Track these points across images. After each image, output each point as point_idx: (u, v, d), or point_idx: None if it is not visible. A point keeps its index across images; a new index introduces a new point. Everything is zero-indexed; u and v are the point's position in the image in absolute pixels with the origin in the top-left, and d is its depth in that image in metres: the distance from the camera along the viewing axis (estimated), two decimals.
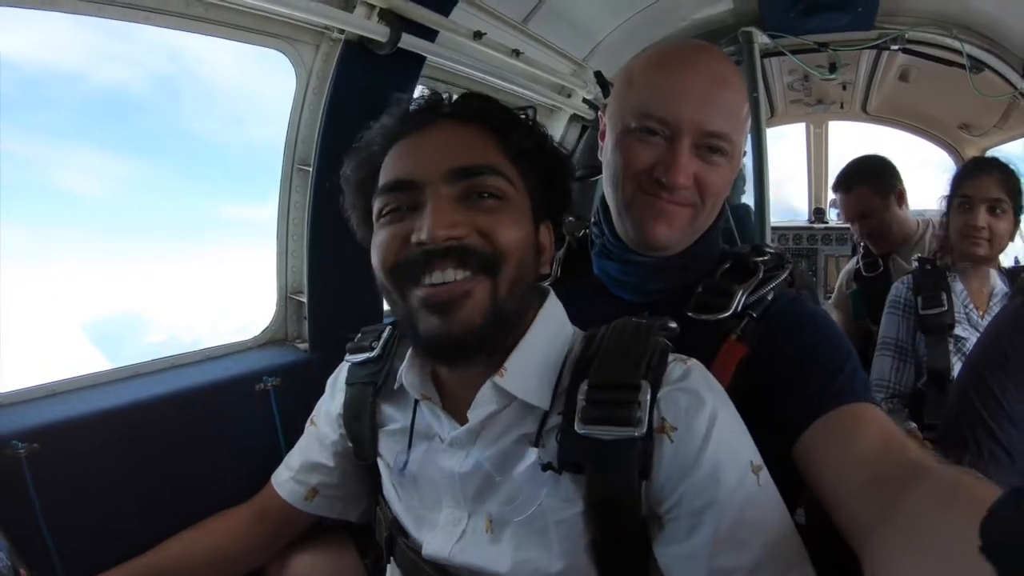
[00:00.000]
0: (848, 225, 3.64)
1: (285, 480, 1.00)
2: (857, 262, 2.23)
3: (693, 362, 0.74)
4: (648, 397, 0.68)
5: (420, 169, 0.71)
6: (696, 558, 0.66)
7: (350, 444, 0.94)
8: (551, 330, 0.78)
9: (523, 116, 0.79)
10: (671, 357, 0.73)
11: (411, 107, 0.77)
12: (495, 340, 0.71)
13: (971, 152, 3.15)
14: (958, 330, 1.68)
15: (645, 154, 0.87)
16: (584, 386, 0.70)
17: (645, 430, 0.66)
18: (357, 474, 0.97)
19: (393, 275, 0.71)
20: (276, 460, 1.05)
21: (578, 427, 0.68)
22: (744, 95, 0.90)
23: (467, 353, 0.71)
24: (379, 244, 0.72)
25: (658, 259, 0.93)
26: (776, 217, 3.54)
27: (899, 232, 2.14)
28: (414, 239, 0.68)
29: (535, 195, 0.77)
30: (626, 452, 0.67)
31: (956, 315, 1.69)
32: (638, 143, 0.88)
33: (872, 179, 2.14)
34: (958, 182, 1.78)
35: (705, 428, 0.67)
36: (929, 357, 1.70)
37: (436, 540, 0.79)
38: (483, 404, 0.74)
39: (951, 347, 1.68)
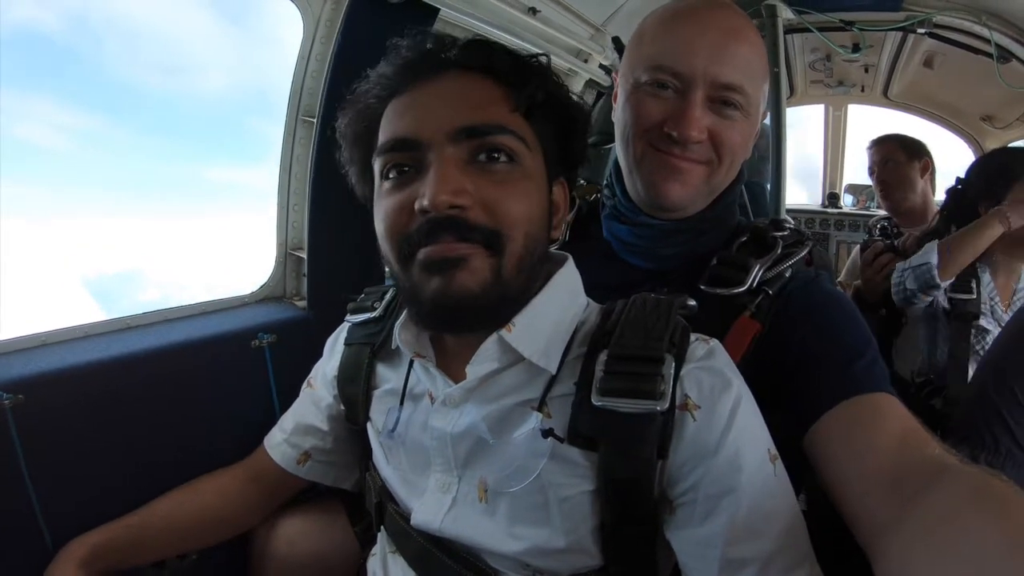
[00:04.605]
0: (861, 212, 3.64)
1: (278, 443, 0.98)
2: None
3: (715, 342, 0.70)
4: (672, 371, 0.64)
5: (423, 127, 0.65)
6: (710, 545, 0.63)
7: (343, 408, 0.91)
8: (564, 295, 0.74)
9: (535, 63, 0.72)
10: (693, 336, 0.69)
11: (412, 54, 0.70)
12: (496, 312, 0.67)
13: (992, 145, 3.09)
14: (982, 321, 1.66)
15: (656, 108, 0.83)
16: (603, 357, 0.67)
17: (667, 405, 0.63)
18: (350, 440, 0.95)
19: (398, 248, 0.67)
20: (270, 419, 1.03)
21: (595, 399, 0.65)
22: (761, 50, 0.86)
23: (466, 320, 0.67)
24: (382, 213, 0.67)
25: (670, 222, 0.89)
26: None
27: (913, 196, 2.12)
28: (417, 206, 0.63)
29: (549, 151, 0.71)
30: (646, 427, 0.63)
31: (982, 306, 1.67)
32: (649, 97, 0.84)
33: (903, 140, 2.18)
34: (1002, 181, 1.70)
35: (729, 411, 0.64)
36: (951, 343, 1.68)
37: (426, 508, 0.75)
38: (485, 360, 0.70)
39: (972, 338, 1.66)
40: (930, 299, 1.70)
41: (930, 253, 1.66)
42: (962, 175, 1.86)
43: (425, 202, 0.62)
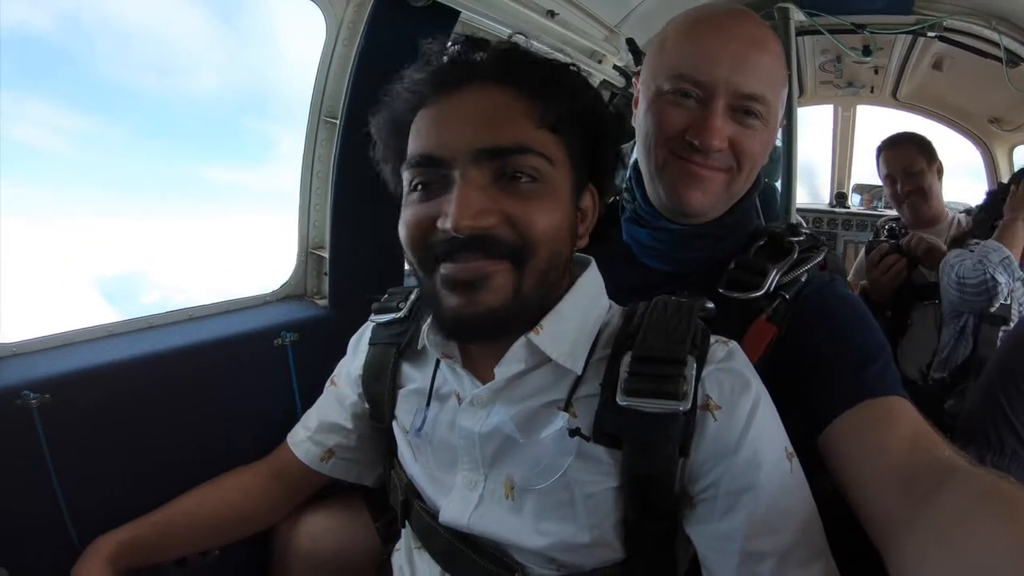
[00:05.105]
0: (868, 212, 3.64)
1: (301, 440, 0.99)
2: None
3: (734, 344, 0.72)
4: (694, 372, 0.66)
5: (448, 145, 0.66)
6: (730, 540, 0.65)
7: (367, 406, 0.92)
8: (588, 298, 0.76)
9: (563, 75, 0.72)
10: (712, 338, 0.71)
11: (439, 62, 0.71)
12: (516, 323, 0.69)
13: (1000, 147, 3.10)
14: (1011, 326, 1.68)
15: (678, 117, 0.84)
16: (627, 358, 0.68)
17: (690, 405, 0.65)
18: (374, 438, 0.96)
19: (419, 258, 0.69)
20: (292, 417, 1.04)
21: (620, 399, 0.66)
22: (781, 60, 0.87)
23: (487, 334, 0.69)
24: (406, 222, 0.69)
25: (690, 227, 0.90)
26: None
27: (936, 204, 2.12)
28: (440, 224, 0.64)
29: (578, 162, 0.72)
30: (669, 427, 0.65)
31: (1011, 312, 1.69)
32: (671, 106, 0.85)
33: (919, 143, 2.14)
34: None
35: (748, 411, 0.66)
36: (978, 344, 1.71)
37: (453, 505, 0.77)
38: (512, 361, 0.71)
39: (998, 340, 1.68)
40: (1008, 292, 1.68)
41: (996, 250, 1.66)
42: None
43: (448, 224, 0.63)
